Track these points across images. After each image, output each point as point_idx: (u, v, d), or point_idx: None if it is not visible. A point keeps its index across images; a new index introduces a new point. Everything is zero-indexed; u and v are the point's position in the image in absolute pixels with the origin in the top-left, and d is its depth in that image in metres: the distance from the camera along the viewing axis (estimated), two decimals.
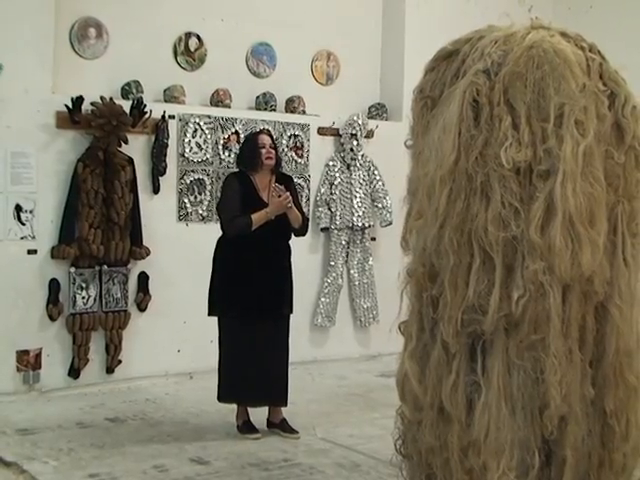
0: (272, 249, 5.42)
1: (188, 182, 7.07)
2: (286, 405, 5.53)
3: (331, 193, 7.76)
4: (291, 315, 5.55)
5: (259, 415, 5.56)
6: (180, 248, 6.94)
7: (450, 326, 3.52)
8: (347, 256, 7.87)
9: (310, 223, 7.59)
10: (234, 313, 5.37)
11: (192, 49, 7.30)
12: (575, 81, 3.43)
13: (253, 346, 5.34)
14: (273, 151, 5.51)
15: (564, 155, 3.36)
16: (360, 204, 7.82)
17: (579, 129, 3.40)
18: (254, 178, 5.49)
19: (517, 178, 3.45)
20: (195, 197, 7.09)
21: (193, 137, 7.08)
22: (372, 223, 7.89)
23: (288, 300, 5.51)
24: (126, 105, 6.62)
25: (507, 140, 3.43)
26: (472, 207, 3.47)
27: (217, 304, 5.45)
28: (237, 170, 5.66)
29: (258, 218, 5.32)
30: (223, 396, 5.49)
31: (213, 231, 5.64)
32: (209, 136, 7.15)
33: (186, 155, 7.05)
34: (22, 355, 6.35)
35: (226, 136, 7.23)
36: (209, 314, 5.49)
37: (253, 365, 5.34)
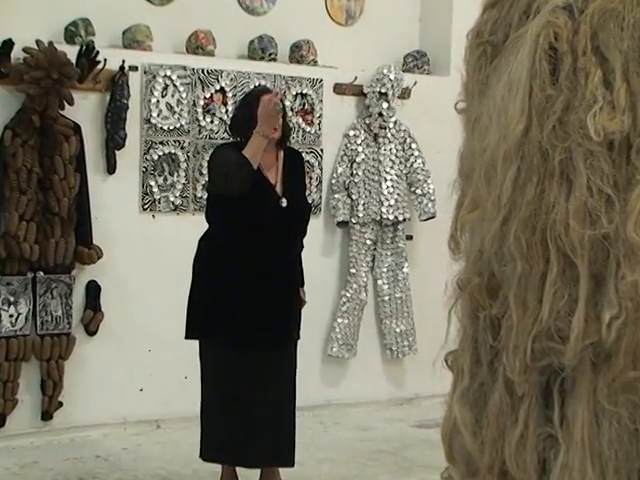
0: (282, 253, 5.45)
1: (155, 158, 7.10)
2: (293, 465, 5.55)
3: (352, 174, 7.78)
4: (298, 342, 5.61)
5: (249, 478, 5.58)
6: (144, 248, 6.97)
7: (517, 358, 3.51)
8: (373, 261, 7.89)
9: (322, 215, 7.70)
10: (222, 337, 5.38)
11: None
12: None
13: (249, 383, 5.36)
14: (280, 119, 5.53)
15: None
16: (392, 190, 7.84)
17: None
18: None
19: (610, 155, 3.42)
20: (165, 179, 7.11)
21: (163, 96, 7.11)
22: (408, 216, 7.91)
23: (297, 322, 5.57)
24: (72, 52, 6.65)
25: (596, 103, 3.42)
26: (548, 195, 3.45)
27: (199, 324, 5.47)
28: (233, 141, 5.66)
29: (253, 149, 5.29)
30: (207, 453, 5.50)
31: (190, 225, 5.67)
32: (184, 95, 7.18)
33: (153, 121, 7.08)
34: None
35: (208, 95, 7.26)
36: (187, 337, 5.50)
37: (249, 410, 5.35)
